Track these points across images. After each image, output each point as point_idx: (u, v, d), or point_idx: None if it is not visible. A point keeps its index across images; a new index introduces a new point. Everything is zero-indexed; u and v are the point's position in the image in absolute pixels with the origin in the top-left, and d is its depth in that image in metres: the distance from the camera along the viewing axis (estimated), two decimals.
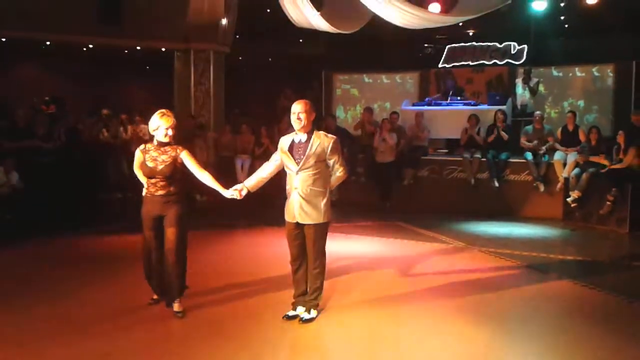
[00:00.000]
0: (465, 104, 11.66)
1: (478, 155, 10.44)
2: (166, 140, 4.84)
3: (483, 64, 13.19)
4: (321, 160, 4.65)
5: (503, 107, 11.00)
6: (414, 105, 12.37)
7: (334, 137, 4.74)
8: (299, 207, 4.63)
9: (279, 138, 4.85)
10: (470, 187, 10.44)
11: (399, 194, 10.90)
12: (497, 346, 4.43)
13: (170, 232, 4.83)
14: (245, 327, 4.69)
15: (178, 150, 4.86)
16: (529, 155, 10.11)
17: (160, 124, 4.81)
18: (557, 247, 8.06)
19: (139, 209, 4.95)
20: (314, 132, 4.68)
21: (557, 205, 9.82)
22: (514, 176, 10.31)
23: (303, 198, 4.62)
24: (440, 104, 11.88)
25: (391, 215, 10.14)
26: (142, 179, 4.97)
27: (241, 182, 4.94)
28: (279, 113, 13.27)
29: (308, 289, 4.83)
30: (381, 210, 10.54)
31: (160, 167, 4.79)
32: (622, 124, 10.37)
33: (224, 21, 12.83)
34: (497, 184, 10.23)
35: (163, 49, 13.19)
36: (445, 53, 13.48)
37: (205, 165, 11.22)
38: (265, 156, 11.36)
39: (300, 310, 4.83)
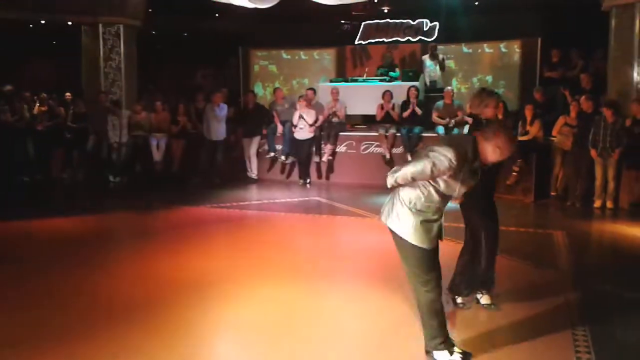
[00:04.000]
0: (380, 80, 11.87)
1: (393, 131, 10.69)
2: None
3: (397, 40, 13.45)
4: None
5: (416, 83, 11.30)
6: (331, 81, 12.46)
7: None
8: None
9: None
10: (386, 161, 10.70)
11: (317, 169, 11.06)
12: (410, 316, 4.62)
13: None
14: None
15: None
16: (441, 130, 10.46)
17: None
18: None
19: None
20: None
21: None
22: None
23: None
24: (356, 80, 12.04)
25: (310, 191, 10.26)
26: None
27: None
28: (195, 90, 12.98)
29: None
30: (301, 187, 10.65)
31: None
32: (528, 98, 10.90)
33: None
34: (410, 158, 10.52)
35: (69, 23, 12.53)
36: (361, 30, 13.62)
37: (119, 145, 11.03)
38: (182, 135, 11.23)
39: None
